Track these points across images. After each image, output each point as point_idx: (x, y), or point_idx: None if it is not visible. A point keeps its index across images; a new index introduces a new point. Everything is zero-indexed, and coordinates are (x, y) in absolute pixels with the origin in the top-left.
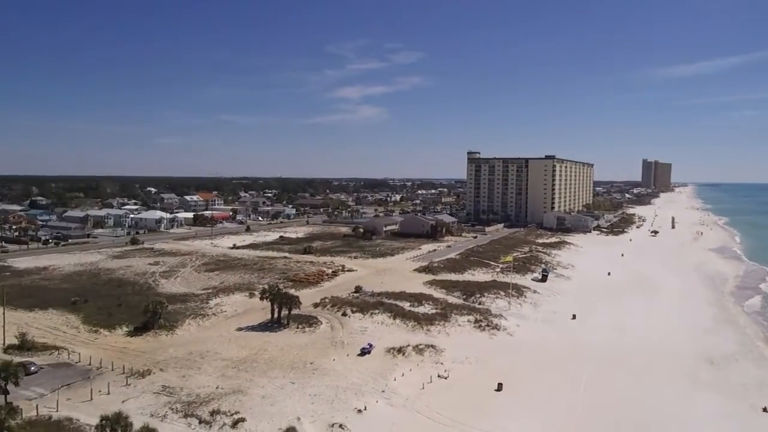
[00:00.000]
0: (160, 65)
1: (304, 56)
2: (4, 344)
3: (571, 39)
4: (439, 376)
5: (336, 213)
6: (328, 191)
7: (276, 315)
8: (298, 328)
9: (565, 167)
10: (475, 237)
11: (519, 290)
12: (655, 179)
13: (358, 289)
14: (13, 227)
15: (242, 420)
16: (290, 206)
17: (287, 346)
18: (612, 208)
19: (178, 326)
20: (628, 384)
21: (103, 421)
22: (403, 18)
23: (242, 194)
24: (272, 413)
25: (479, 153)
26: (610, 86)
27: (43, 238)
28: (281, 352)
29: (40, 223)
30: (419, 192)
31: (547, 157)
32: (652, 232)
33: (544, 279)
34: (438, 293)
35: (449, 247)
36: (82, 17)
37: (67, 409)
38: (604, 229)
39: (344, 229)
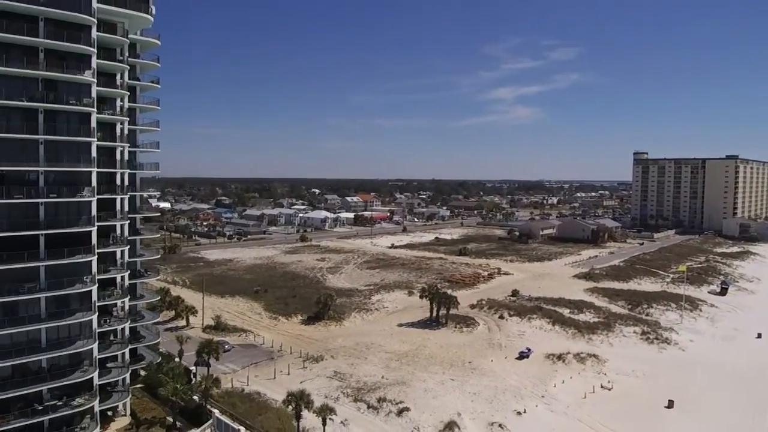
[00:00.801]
0: (320, 74)
1: (458, 59)
2: (203, 325)
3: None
4: (602, 386)
5: (490, 215)
6: (481, 193)
7: (435, 314)
8: (456, 327)
9: (750, 168)
10: (642, 243)
11: (693, 303)
12: None
13: (515, 293)
14: (204, 223)
15: (406, 409)
16: (444, 208)
17: (446, 344)
18: None
19: (345, 318)
20: None
21: (290, 397)
22: (559, 13)
23: (398, 195)
24: (434, 406)
25: (647, 153)
26: None
27: (228, 233)
28: (440, 349)
29: (225, 220)
30: (578, 195)
31: (729, 157)
32: None
33: (723, 292)
34: (600, 301)
35: (612, 253)
36: (256, 39)
37: (256, 384)
38: None
39: (499, 232)
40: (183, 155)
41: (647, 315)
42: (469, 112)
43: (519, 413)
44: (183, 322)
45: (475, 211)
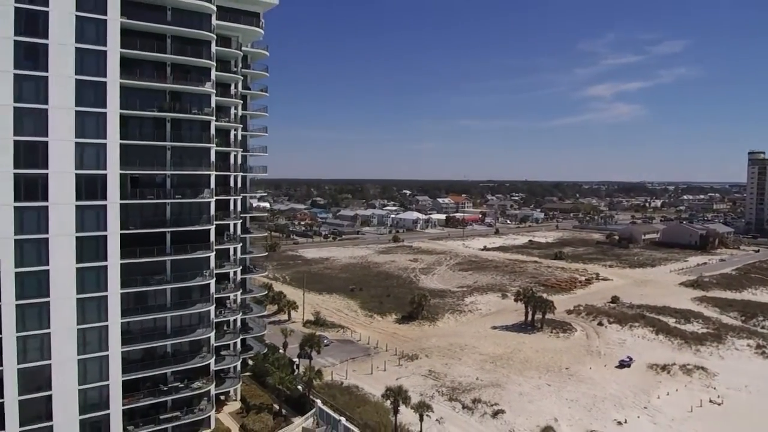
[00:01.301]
0: (411, 76)
1: (552, 56)
2: (303, 319)
3: None
4: (710, 401)
5: (587, 218)
6: (577, 195)
7: (530, 317)
8: (552, 332)
9: None
10: (757, 251)
11: None
12: None
13: (614, 300)
14: (301, 223)
15: (501, 411)
16: (538, 210)
17: (542, 348)
18: None
19: (438, 319)
20: None
21: (388, 392)
22: (662, 3)
23: (489, 197)
24: (530, 410)
25: (763, 153)
26: None
27: (323, 233)
28: (536, 353)
29: (320, 220)
30: (684, 197)
31: None
32: None
33: None
34: (709, 311)
35: (723, 260)
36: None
37: (353, 378)
38: None
39: (597, 236)
40: (279, 157)
41: (763, 327)
42: (564, 110)
43: (620, 423)
44: (285, 317)
45: (571, 214)
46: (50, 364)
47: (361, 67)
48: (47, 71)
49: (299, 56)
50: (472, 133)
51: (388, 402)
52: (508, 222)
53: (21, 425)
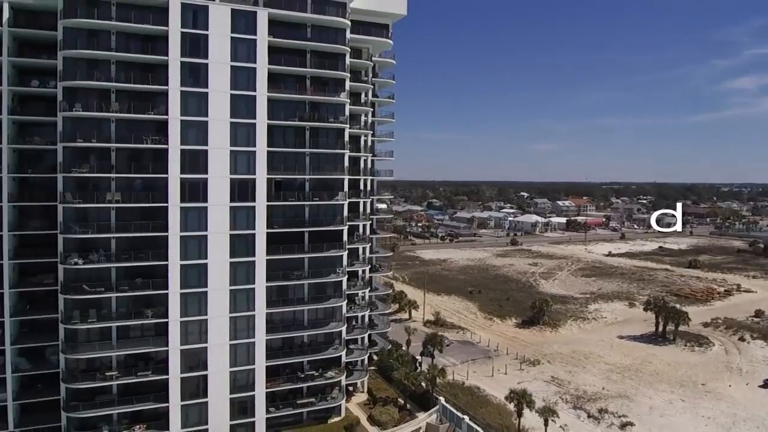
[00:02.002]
0: (527, 75)
1: (687, 48)
2: (423, 319)
3: None
4: None
5: (726, 224)
6: (715, 198)
7: (661, 328)
8: (685, 345)
9: None
10: None
11: None
12: None
13: (759, 313)
14: (418, 224)
15: (630, 424)
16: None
17: (674, 362)
18: None
19: (560, 325)
20: None
21: (512, 394)
22: None
23: (614, 200)
24: (661, 425)
25: None
26: None
27: (440, 234)
28: (668, 367)
29: (436, 221)
30: None
31: None
32: None
33: None
34: None
35: None
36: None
37: (474, 379)
38: None
39: (738, 243)
40: (394, 159)
41: None
42: (698, 106)
43: None
44: (405, 315)
45: (708, 219)
46: (206, 347)
47: (475, 66)
48: (207, 87)
49: (411, 57)
50: (595, 133)
51: (512, 405)
52: (635, 227)
53: (182, 399)
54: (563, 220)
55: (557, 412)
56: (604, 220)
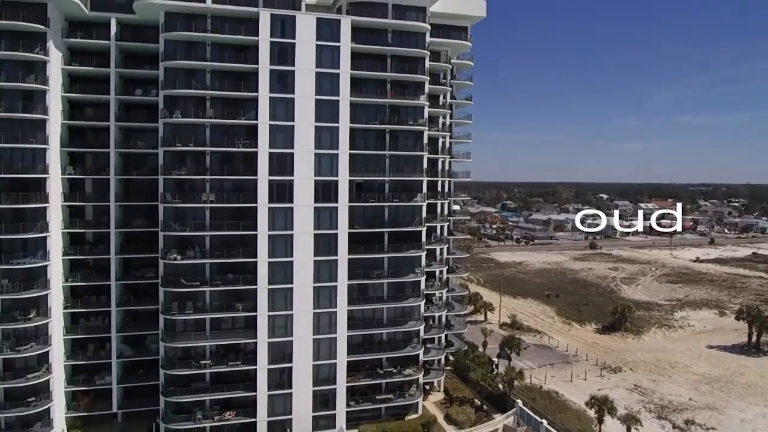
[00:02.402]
0: (614, 71)
1: None
2: (499, 321)
3: None
4: None
5: None
6: None
7: (754, 339)
8: None
9: None
10: None
11: None
12: None
13: None
14: (492, 226)
15: None
16: (764, 218)
17: None
18: None
19: (643, 332)
20: None
21: (593, 400)
22: None
23: (702, 203)
24: None
25: None
26: None
27: (515, 237)
28: (762, 379)
29: (511, 224)
30: None
31: None
32: None
33: None
34: None
35: None
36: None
37: (552, 384)
38: None
39: None
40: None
41: None
42: None
43: None
44: (481, 317)
45: None
46: (292, 340)
47: (549, 67)
48: (294, 93)
49: (486, 57)
50: (684, 131)
51: (592, 411)
52: (726, 231)
53: (269, 389)
54: (646, 223)
55: (641, 420)
56: (691, 223)
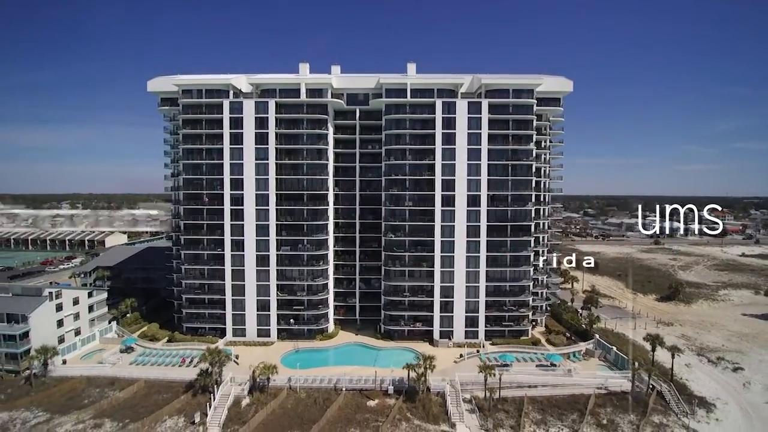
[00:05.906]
0: (680, 105)
1: None
2: (582, 289)
3: None
4: None
5: None
6: None
7: None
8: None
9: None
10: None
11: None
12: None
13: None
14: (576, 226)
15: (741, 368)
16: None
17: None
18: None
19: (692, 302)
20: None
21: (648, 336)
22: None
23: (752, 212)
24: (766, 372)
25: None
26: None
27: (594, 234)
28: None
29: (591, 226)
30: None
31: None
32: None
33: None
34: None
35: None
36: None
37: (619, 329)
38: None
39: None
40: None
41: None
42: None
43: None
44: (568, 286)
45: None
46: (453, 286)
47: (616, 102)
48: (455, 145)
49: (577, 115)
50: (735, 155)
51: (648, 343)
52: None
53: (440, 312)
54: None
55: (683, 350)
56: (740, 228)
